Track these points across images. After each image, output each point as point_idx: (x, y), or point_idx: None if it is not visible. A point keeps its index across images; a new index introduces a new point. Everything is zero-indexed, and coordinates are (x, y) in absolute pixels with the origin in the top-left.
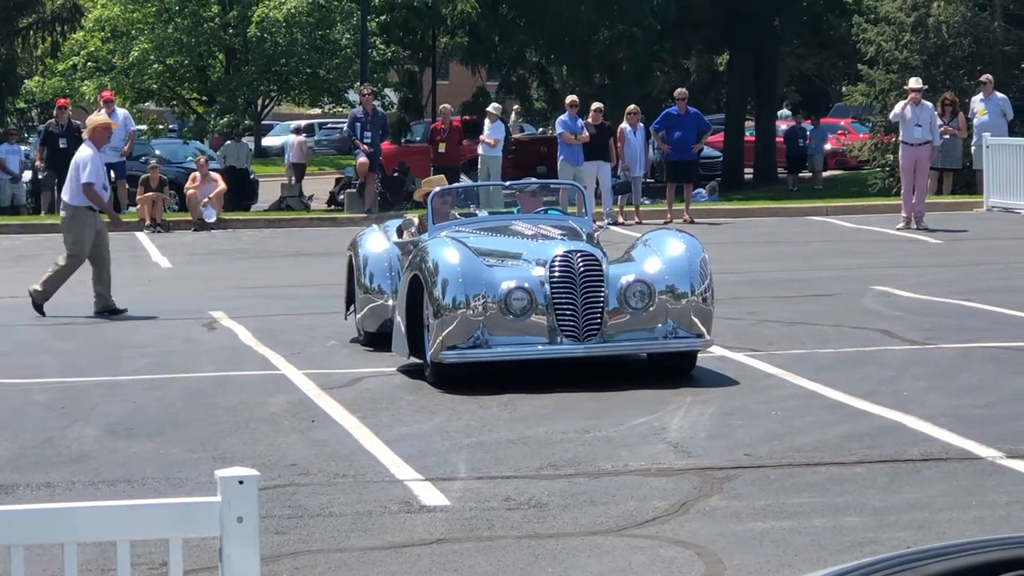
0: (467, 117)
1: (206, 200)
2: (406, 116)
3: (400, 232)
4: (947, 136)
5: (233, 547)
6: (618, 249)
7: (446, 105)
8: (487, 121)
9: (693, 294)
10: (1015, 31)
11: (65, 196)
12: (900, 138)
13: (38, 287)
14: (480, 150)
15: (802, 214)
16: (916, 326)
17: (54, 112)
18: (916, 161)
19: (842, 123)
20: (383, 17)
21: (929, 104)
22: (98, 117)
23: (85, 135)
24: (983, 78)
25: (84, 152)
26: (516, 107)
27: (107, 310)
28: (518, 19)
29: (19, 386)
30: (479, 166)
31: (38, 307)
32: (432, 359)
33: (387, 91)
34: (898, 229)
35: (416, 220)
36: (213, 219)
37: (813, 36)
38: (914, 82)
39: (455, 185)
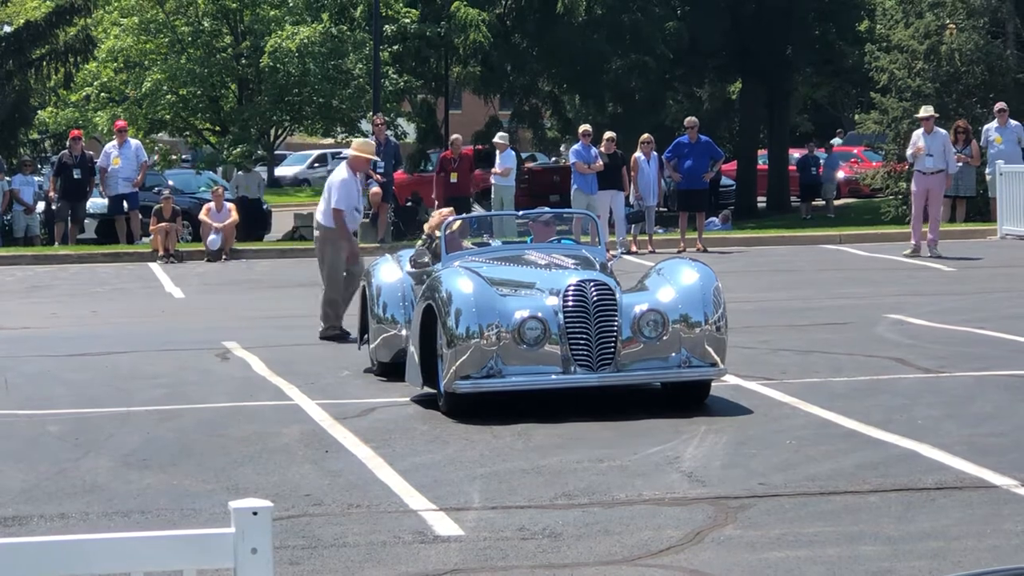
0: (479, 147)
1: (218, 226)
2: (423, 146)
3: (413, 262)
4: (960, 164)
5: None
6: (631, 278)
7: (456, 136)
8: (497, 152)
9: (707, 323)
10: None
11: (319, 217)
12: (914, 167)
13: (322, 328)
14: (493, 180)
15: (815, 242)
16: (930, 354)
17: (67, 143)
18: (928, 190)
19: (855, 151)
20: (395, 47)
21: (943, 131)
22: (365, 144)
23: (348, 159)
24: (998, 107)
25: (338, 175)
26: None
27: (332, 336)
28: (531, 49)
29: (32, 417)
30: (492, 196)
31: (339, 336)
32: (446, 389)
33: (400, 121)
34: (905, 255)
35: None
36: (217, 247)
37: (826, 64)
38: (924, 111)
39: (468, 215)
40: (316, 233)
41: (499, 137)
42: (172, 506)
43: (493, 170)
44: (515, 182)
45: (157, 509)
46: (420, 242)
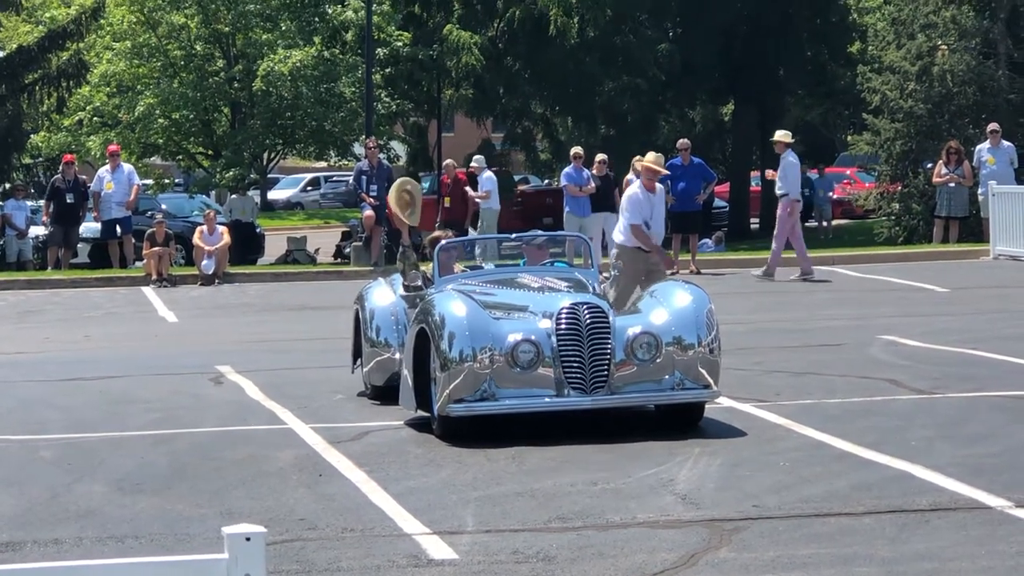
0: (471, 169)
1: (210, 249)
2: (414, 168)
3: (403, 274)
4: (953, 184)
5: None
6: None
7: (449, 160)
8: (477, 176)
9: (700, 345)
10: (1020, 79)
11: (614, 235)
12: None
13: None
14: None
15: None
16: (923, 375)
17: (60, 168)
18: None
19: (848, 172)
20: (388, 70)
21: (792, 158)
22: (657, 158)
23: (632, 175)
24: (991, 127)
25: (630, 192)
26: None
27: None
28: (523, 71)
29: (25, 442)
30: (480, 219)
31: None
32: (439, 412)
33: (392, 144)
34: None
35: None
36: (211, 271)
37: (818, 86)
38: (781, 135)
39: (461, 238)
40: (613, 251)
41: (475, 161)
42: (166, 531)
43: (474, 195)
44: (500, 203)
45: (151, 534)
46: (401, 259)
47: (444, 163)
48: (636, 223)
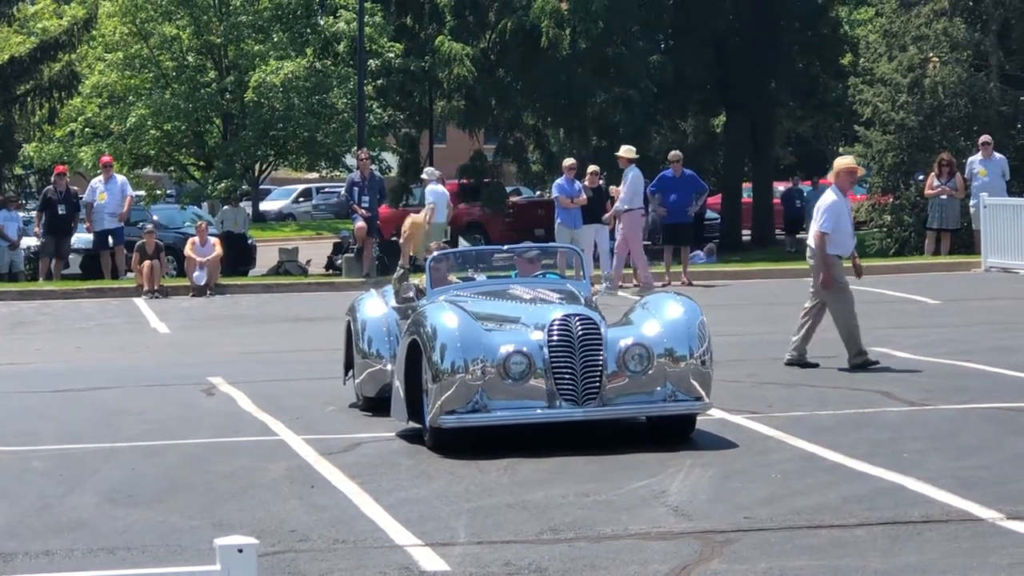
0: (464, 180)
1: (202, 260)
2: (405, 179)
3: (398, 296)
4: (945, 196)
5: None
6: (617, 312)
7: (437, 171)
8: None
9: (692, 357)
10: (1011, 91)
11: (809, 240)
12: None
13: (848, 356)
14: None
15: (800, 276)
16: (915, 387)
17: (52, 178)
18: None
19: None
20: (380, 81)
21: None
22: (844, 160)
23: (830, 178)
24: (983, 139)
25: (825, 199)
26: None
27: (798, 363)
28: (515, 83)
29: (17, 453)
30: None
31: (862, 365)
32: (431, 424)
33: (384, 155)
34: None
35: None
36: (203, 282)
37: (809, 98)
38: (626, 150)
39: (454, 249)
40: (809, 258)
41: (425, 173)
42: (158, 542)
43: (414, 216)
44: (446, 217)
45: (143, 545)
46: (395, 283)
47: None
48: (827, 231)
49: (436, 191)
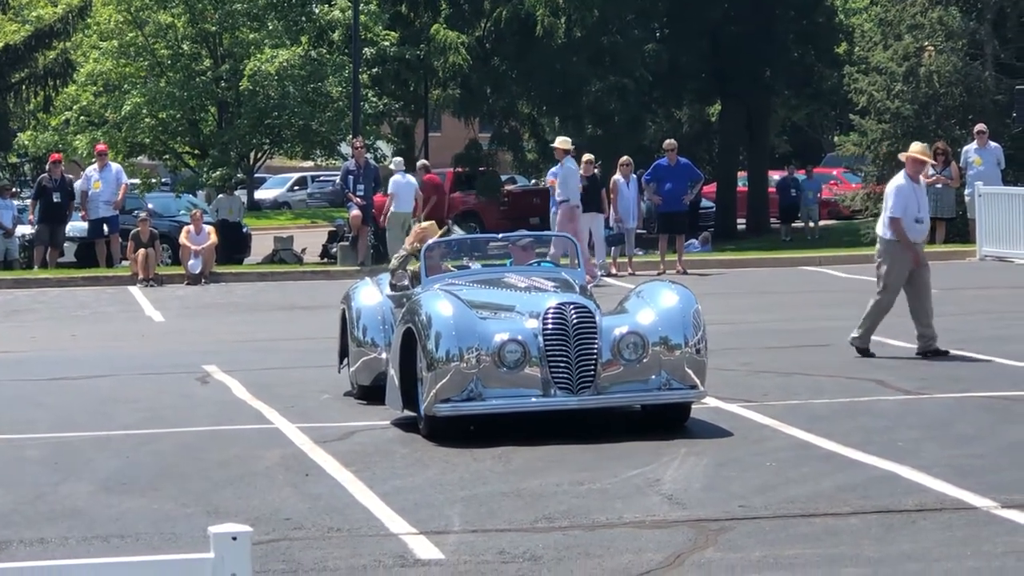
0: (459, 169)
1: (197, 249)
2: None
3: (393, 285)
4: (940, 185)
5: None
6: (611, 300)
7: (422, 160)
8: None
9: (687, 345)
10: (1006, 80)
11: (878, 228)
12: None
13: (855, 333)
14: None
15: (795, 264)
16: (910, 376)
17: (47, 167)
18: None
19: (835, 173)
20: (375, 70)
21: (573, 164)
22: (914, 147)
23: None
24: (978, 128)
25: (892, 183)
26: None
27: (929, 351)
28: (510, 71)
29: (11, 442)
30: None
31: (863, 351)
32: (426, 412)
33: (379, 143)
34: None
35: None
36: (197, 271)
37: (805, 87)
38: (561, 141)
39: (449, 237)
40: (877, 247)
41: (392, 163)
42: (152, 530)
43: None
44: (412, 207)
45: (137, 533)
46: (395, 260)
47: (418, 164)
48: (898, 216)
49: (399, 182)
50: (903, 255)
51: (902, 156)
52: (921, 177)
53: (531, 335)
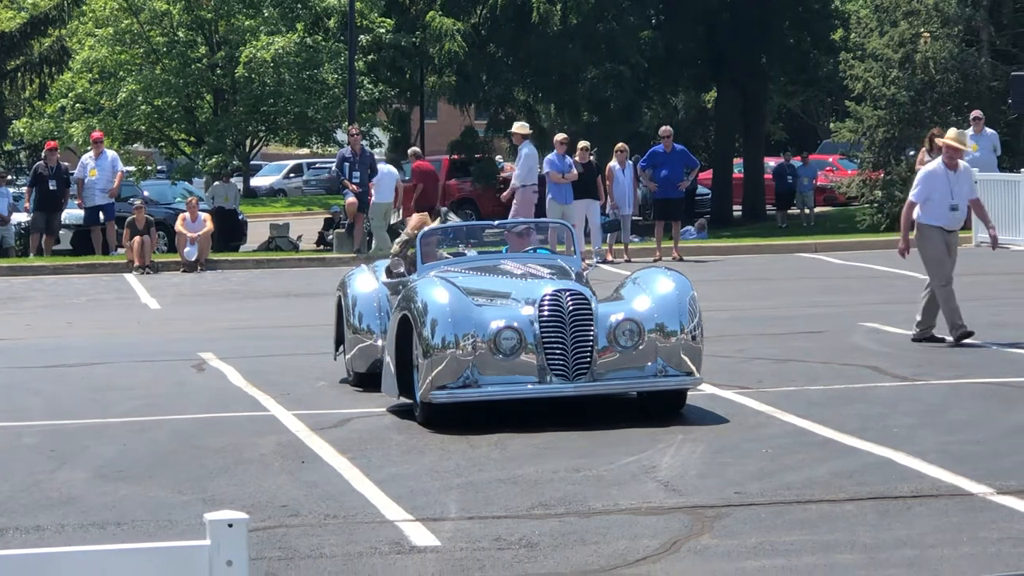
0: (455, 156)
1: (193, 236)
2: (395, 155)
3: (389, 272)
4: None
5: None
6: (607, 287)
7: (413, 147)
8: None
9: (682, 332)
10: (1002, 67)
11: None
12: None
13: (917, 322)
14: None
15: (791, 251)
16: (905, 362)
17: (43, 154)
18: None
19: (830, 159)
20: (370, 57)
21: (532, 147)
22: (951, 134)
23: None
24: (974, 114)
25: (929, 166)
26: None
27: (964, 336)
28: (505, 58)
29: (7, 429)
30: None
31: (925, 339)
32: (422, 399)
33: (375, 131)
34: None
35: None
36: (193, 258)
37: (801, 73)
38: (519, 126)
39: (445, 224)
40: (915, 233)
41: (409, 153)
42: (148, 517)
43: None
44: (392, 198)
45: (133, 521)
46: (397, 246)
47: (409, 151)
48: (915, 200)
49: (380, 170)
50: (934, 237)
51: (939, 142)
52: (960, 162)
53: (527, 322)
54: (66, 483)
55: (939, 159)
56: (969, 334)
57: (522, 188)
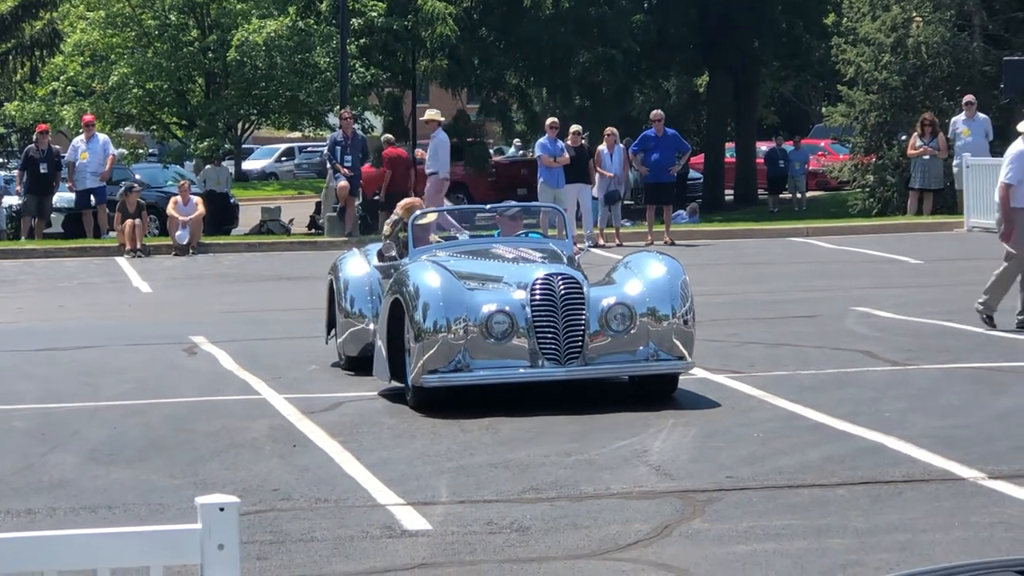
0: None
1: (184, 219)
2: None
3: (380, 256)
4: (927, 156)
5: (214, 574)
6: (599, 271)
7: (387, 135)
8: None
9: (674, 316)
10: (994, 51)
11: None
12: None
13: (980, 301)
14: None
15: (783, 235)
16: (897, 347)
17: (34, 137)
18: None
19: (822, 144)
20: (363, 40)
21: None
22: None
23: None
24: (966, 99)
25: (1013, 148)
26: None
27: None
28: (498, 42)
29: None
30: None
31: (989, 319)
32: (413, 383)
33: (367, 114)
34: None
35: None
36: (185, 241)
37: (793, 57)
38: (431, 113)
39: (437, 208)
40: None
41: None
42: (139, 501)
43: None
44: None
45: (124, 504)
46: (388, 227)
47: (382, 137)
48: (1011, 183)
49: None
50: (1021, 221)
51: (1021, 127)
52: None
53: (519, 306)
54: (57, 467)
55: (1020, 139)
56: (992, 323)
57: (434, 176)
